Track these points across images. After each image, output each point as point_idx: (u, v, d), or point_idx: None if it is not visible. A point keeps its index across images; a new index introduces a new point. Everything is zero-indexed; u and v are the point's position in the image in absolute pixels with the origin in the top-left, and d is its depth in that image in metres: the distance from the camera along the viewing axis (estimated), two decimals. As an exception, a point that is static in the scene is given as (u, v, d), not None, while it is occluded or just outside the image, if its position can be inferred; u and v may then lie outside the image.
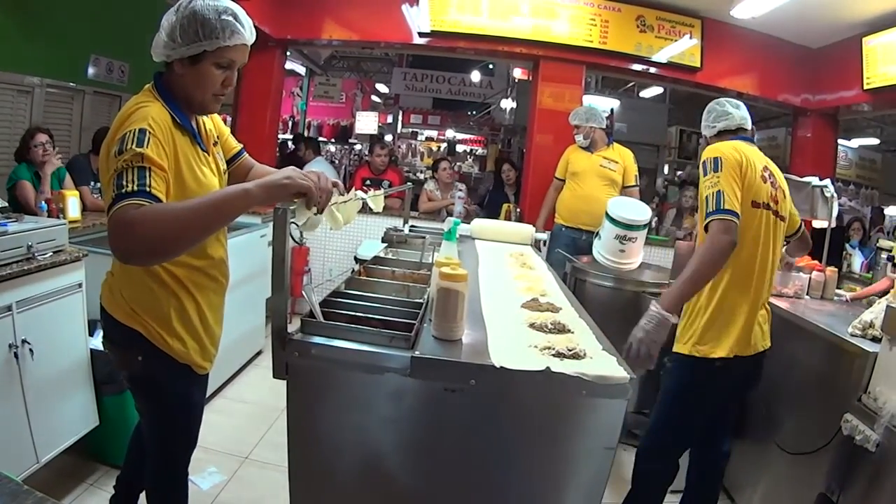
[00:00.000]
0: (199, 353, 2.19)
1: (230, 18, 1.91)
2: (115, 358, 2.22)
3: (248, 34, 1.98)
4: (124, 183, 1.63)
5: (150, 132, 1.74)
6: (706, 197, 2.52)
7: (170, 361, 2.08)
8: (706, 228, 2.48)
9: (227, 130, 2.35)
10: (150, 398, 2.20)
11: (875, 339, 2.74)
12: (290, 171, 1.90)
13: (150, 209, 1.61)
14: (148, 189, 1.65)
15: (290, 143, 10.01)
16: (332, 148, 13.04)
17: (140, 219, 1.57)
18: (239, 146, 2.41)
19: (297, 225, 1.90)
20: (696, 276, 2.45)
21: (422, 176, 11.64)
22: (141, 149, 1.69)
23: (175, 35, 1.87)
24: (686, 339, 2.70)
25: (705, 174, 2.59)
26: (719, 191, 2.48)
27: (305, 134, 10.70)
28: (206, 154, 2.09)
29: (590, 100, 6.72)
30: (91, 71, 5.87)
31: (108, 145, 1.78)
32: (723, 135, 2.89)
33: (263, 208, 5.66)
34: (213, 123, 2.24)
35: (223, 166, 2.24)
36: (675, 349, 2.73)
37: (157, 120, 1.81)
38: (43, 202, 4.07)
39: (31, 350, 2.79)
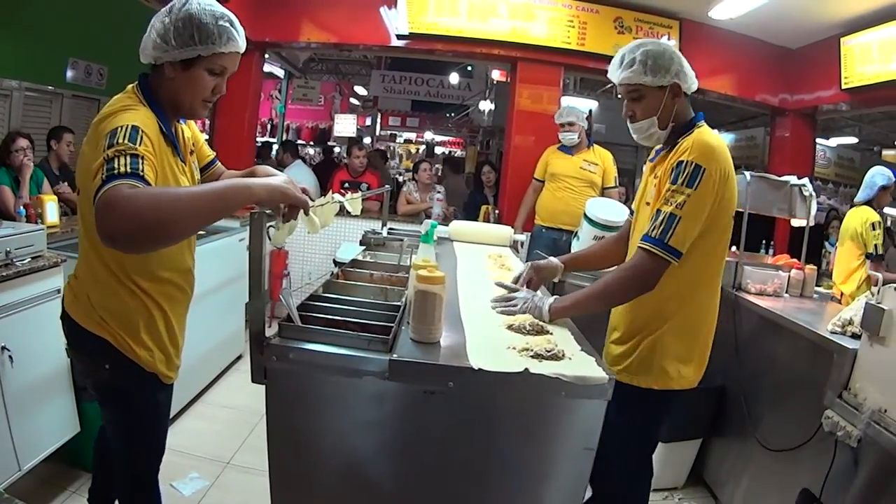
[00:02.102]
0: (165, 364, 2.13)
1: (227, 24, 1.88)
2: (81, 366, 2.20)
3: (242, 42, 1.95)
4: (115, 166, 1.56)
5: (142, 132, 1.69)
6: (660, 211, 2.11)
7: (137, 370, 2.03)
8: (640, 247, 2.13)
9: (202, 138, 2.32)
10: (118, 407, 2.14)
11: (855, 336, 2.76)
12: (287, 177, 1.92)
13: (147, 190, 1.55)
14: (141, 173, 1.59)
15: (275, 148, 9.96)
16: (311, 151, 13.02)
17: (135, 197, 1.49)
18: (212, 154, 2.38)
19: (276, 229, 1.89)
20: (605, 300, 2.25)
21: (400, 178, 11.63)
22: (134, 144, 1.63)
23: (169, 37, 1.82)
24: (655, 371, 2.29)
25: (674, 181, 2.10)
26: (677, 217, 2.06)
27: (284, 136, 10.69)
28: (183, 164, 2.04)
29: (568, 101, 6.72)
30: (70, 74, 5.85)
31: (94, 141, 1.71)
32: (675, 97, 2.27)
33: (241, 211, 5.64)
34: (191, 130, 2.20)
35: (197, 175, 2.20)
36: (640, 384, 2.30)
37: (147, 126, 1.75)
38: (21, 207, 4.03)
39: (10, 357, 2.76)
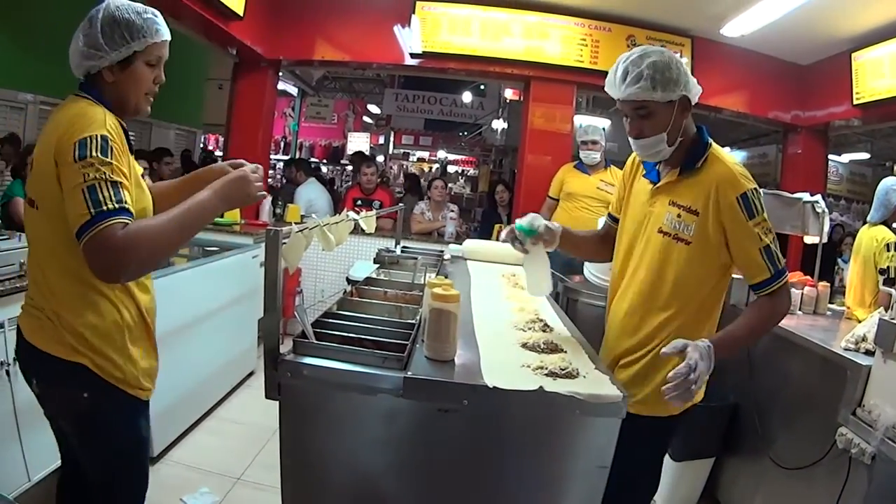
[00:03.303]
0: (147, 375, 2.02)
1: (152, 17, 1.91)
2: (52, 401, 2.00)
3: (167, 30, 1.97)
4: (101, 199, 1.61)
5: (111, 140, 1.71)
6: (768, 247, 2.05)
7: (119, 394, 1.92)
8: (770, 289, 2.09)
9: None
10: (98, 438, 1.97)
11: (868, 353, 2.75)
12: (242, 172, 2.01)
13: (136, 227, 1.64)
14: (127, 206, 1.66)
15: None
16: (324, 168, 13.07)
17: (133, 239, 1.61)
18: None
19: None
20: (755, 337, 2.25)
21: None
22: (108, 158, 1.67)
23: (99, 44, 1.83)
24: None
25: (753, 214, 2.03)
26: (776, 241, 2.07)
27: (298, 154, 10.72)
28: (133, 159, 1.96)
29: (581, 120, 6.73)
30: (84, 88, 5.83)
31: (62, 147, 1.69)
32: (684, 111, 2.16)
33: (255, 228, 5.67)
34: None
35: (140, 169, 2.09)
36: (659, 413, 2.18)
37: (112, 129, 1.76)
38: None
39: (21, 368, 2.76)
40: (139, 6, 1.90)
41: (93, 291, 1.84)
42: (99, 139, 1.68)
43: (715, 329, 2.25)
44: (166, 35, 1.95)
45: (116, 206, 1.62)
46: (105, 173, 1.65)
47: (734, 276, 2.31)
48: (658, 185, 2.24)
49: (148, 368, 2.03)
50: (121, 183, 1.68)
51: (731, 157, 2.15)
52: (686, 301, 2.14)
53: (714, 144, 2.18)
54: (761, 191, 2.09)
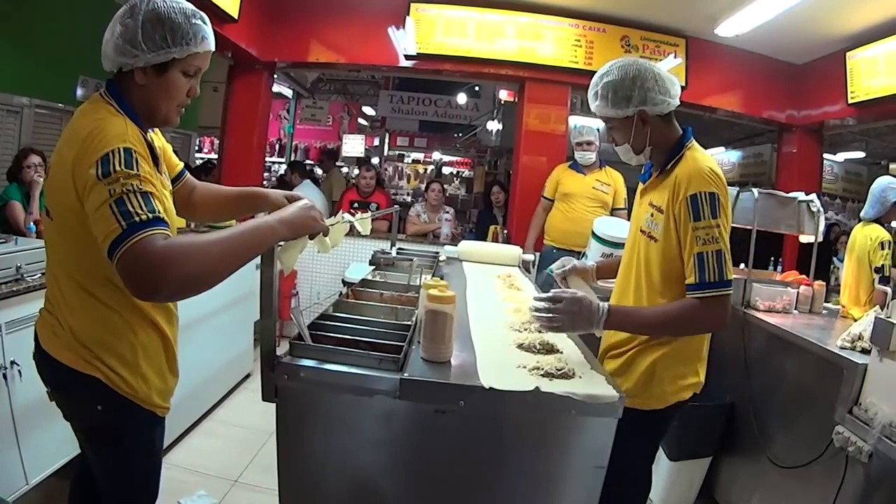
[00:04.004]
0: (162, 394, 1.95)
1: (200, 22, 1.77)
2: (67, 408, 1.93)
3: (212, 39, 1.83)
4: (131, 210, 1.46)
5: (135, 151, 1.57)
6: (701, 255, 2.02)
7: (133, 408, 1.86)
8: (705, 295, 2.02)
9: (169, 146, 2.10)
10: (111, 451, 1.93)
11: (864, 352, 2.76)
12: (305, 203, 1.87)
13: (181, 242, 1.47)
14: (161, 216, 1.51)
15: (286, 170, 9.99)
16: (319, 171, 13.05)
17: (177, 252, 1.44)
18: (181, 164, 2.18)
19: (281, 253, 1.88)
20: (659, 332, 2.20)
21: (408, 198, 11.64)
22: (133, 170, 1.52)
23: (137, 41, 1.67)
24: (656, 393, 2.25)
25: (697, 217, 2.04)
26: (720, 251, 2.01)
27: (293, 157, 10.69)
28: (162, 177, 1.86)
29: (576, 120, 6.73)
30: (80, 92, 5.86)
31: (81, 164, 1.55)
32: (645, 123, 2.24)
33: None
34: (160, 139, 2.01)
35: (169, 186, 1.97)
36: (641, 406, 2.22)
37: (136, 143, 1.62)
38: (32, 223, 4.06)
39: (19, 371, 2.77)
40: (189, 7, 1.76)
41: (104, 307, 1.76)
42: (122, 152, 1.54)
43: None
44: (211, 45, 1.82)
45: (150, 215, 1.48)
46: (133, 185, 1.50)
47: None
48: (643, 186, 2.40)
49: (163, 389, 1.96)
50: (152, 193, 1.53)
51: (707, 159, 2.17)
52: (673, 297, 2.16)
53: (694, 146, 2.23)
54: (724, 199, 2.07)
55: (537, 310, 2.01)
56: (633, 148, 2.26)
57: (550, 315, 1.99)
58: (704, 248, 2.01)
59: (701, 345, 2.31)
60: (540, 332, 2.25)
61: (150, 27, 1.68)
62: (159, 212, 1.51)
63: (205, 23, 1.79)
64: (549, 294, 2.04)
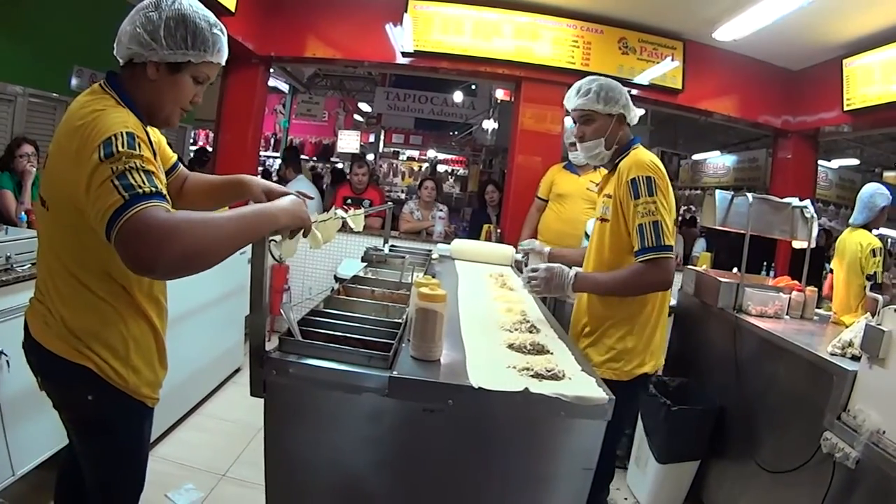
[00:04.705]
0: (152, 386, 1.97)
1: (220, 34, 1.81)
2: (57, 398, 1.93)
3: (226, 52, 1.87)
4: (133, 183, 1.45)
5: (137, 136, 1.56)
6: (641, 225, 2.43)
7: (125, 398, 1.87)
8: (646, 259, 2.43)
9: (164, 138, 2.12)
10: (101, 441, 1.93)
11: (855, 358, 2.77)
12: (295, 197, 1.91)
13: (183, 216, 1.45)
14: (163, 192, 1.51)
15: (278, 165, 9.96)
16: (315, 165, 13.03)
17: (180, 225, 1.42)
18: (174, 156, 2.19)
19: (278, 245, 1.87)
20: (627, 290, 2.57)
21: (403, 196, 11.64)
22: (136, 151, 1.52)
23: (158, 35, 1.69)
24: (627, 362, 2.63)
25: (637, 196, 2.46)
26: (657, 221, 2.42)
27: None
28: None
29: (571, 121, 6.74)
30: (74, 82, 5.84)
31: (83, 153, 1.53)
32: (620, 124, 2.67)
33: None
34: (154, 132, 1.99)
35: (164, 178, 1.82)
36: (613, 377, 2.58)
37: (136, 127, 1.62)
38: (23, 213, 4.04)
39: (7, 362, 2.74)
40: (212, 17, 1.80)
41: (96, 298, 1.77)
42: (125, 135, 1.53)
43: (668, 299, 2.75)
44: (224, 58, 1.87)
45: (153, 189, 1.47)
46: (135, 163, 1.50)
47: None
48: (601, 184, 2.88)
49: (154, 380, 1.97)
50: (154, 172, 1.53)
51: (647, 155, 2.61)
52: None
53: (638, 147, 2.68)
54: (662, 183, 2.49)
55: (528, 277, 2.64)
56: (605, 142, 2.66)
57: (533, 280, 2.61)
58: (643, 219, 2.44)
59: (654, 332, 2.68)
60: (532, 332, 2.27)
61: (173, 24, 1.71)
62: (161, 189, 1.51)
63: (223, 34, 1.83)
64: (532, 266, 2.71)
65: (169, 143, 2.16)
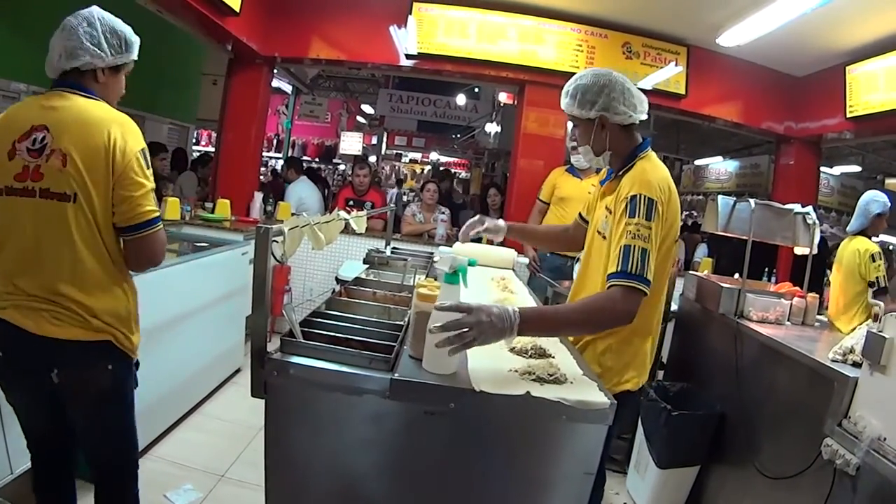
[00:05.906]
0: (137, 344, 2.28)
1: (133, 35, 2.19)
2: (77, 381, 2.10)
3: None
4: (155, 207, 2.10)
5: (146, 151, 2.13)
6: (628, 247, 2.03)
7: (127, 359, 2.21)
8: (620, 284, 2.01)
9: None
10: (119, 405, 2.25)
11: (856, 365, 2.77)
12: None
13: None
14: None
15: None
16: (319, 167, 13.04)
17: (163, 237, 2.17)
18: None
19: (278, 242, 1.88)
20: (576, 329, 2.16)
21: (405, 198, 11.64)
22: (149, 170, 2.11)
23: (103, 46, 2.08)
24: (606, 381, 2.22)
25: (632, 215, 2.08)
26: (645, 250, 2.03)
27: (290, 152, 10.68)
28: None
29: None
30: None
31: (129, 157, 2.03)
32: (603, 128, 2.35)
33: (245, 225, 5.68)
34: None
35: None
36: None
37: None
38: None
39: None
40: (125, 24, 2.19)
41: (111, 281, 2.12)
42: (147, 151, 2.12)
43: (658, 310, 2.39)
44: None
45: (159, 211, 2.16)
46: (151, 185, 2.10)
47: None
48: (601, 190, 2.52)
49: (138, 340, 2.27)
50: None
51: (657, 170, 2.24)
52: None
53: (648, 156, 2.31)
54: (662, 207, 2.13)
55: (442, 328, 1.71)
56: (592, 149, 2.39)
57: (459, 331, 1.71)
58: (633, 241, 2.04)
59: (639, 349, 2.37)
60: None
61: (109, 35, 2.11)
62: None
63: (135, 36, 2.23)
64: (450, 304, 1.76)
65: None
